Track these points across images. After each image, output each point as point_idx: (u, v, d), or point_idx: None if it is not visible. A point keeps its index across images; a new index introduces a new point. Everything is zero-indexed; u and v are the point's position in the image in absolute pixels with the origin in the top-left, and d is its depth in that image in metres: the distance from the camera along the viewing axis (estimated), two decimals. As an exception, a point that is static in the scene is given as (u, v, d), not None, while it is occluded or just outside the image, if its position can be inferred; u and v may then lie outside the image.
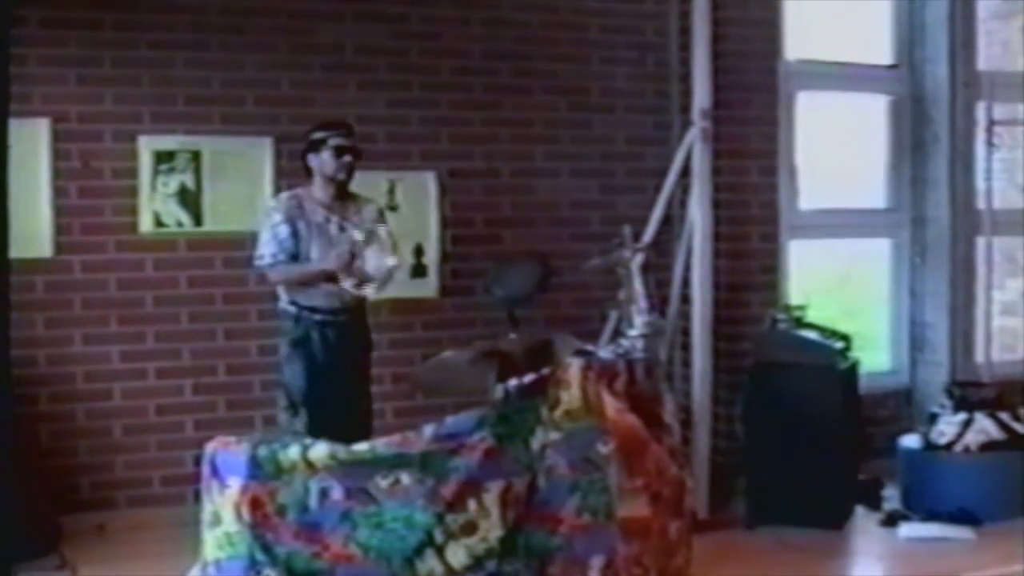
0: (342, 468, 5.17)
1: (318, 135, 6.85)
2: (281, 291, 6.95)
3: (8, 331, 4.65)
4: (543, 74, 8.35)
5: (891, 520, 7.83)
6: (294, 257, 6.81)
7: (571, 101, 8.43)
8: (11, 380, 4.93)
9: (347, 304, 6.89)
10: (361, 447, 5.26)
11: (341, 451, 5.22)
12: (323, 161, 6.83)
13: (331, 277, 6.74)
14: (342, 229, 6.84)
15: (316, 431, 6.18)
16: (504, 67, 8.26)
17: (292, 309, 6.90)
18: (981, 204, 9.03)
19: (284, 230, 6.80)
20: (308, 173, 6.91)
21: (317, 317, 6.87)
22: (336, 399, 6.83)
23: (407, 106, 8.04)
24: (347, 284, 6.70)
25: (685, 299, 8.18)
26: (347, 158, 6.83)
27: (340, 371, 6.91)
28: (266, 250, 6.84)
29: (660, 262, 8.14)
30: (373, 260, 6.68)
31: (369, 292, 6.77)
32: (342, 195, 6.93)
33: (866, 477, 8.20)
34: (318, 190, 6.90)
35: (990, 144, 8.92)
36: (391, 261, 6.70)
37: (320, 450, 5.19)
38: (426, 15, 8.07)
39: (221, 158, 7.50)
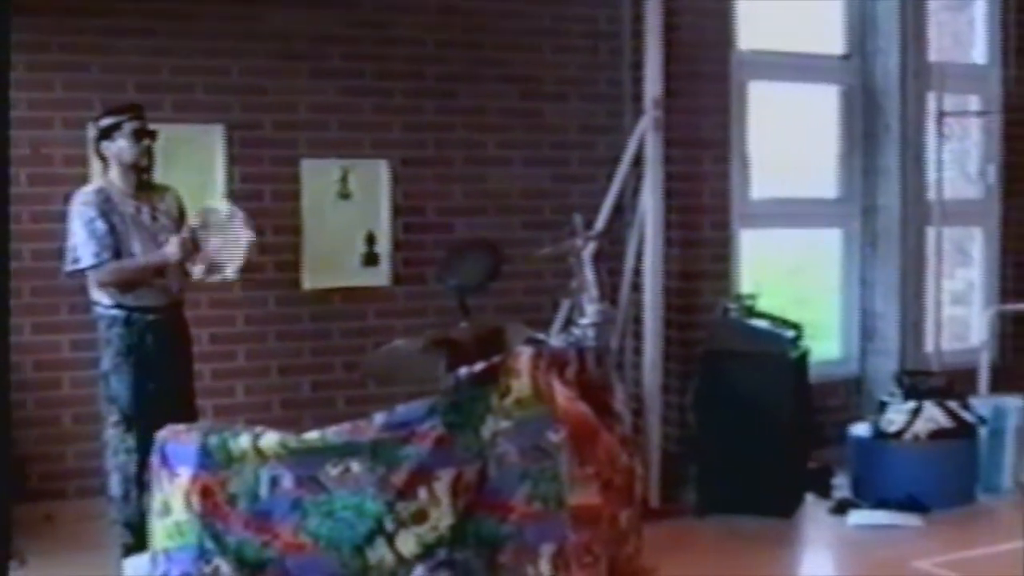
0: (293, 456, 5.19)
1: (110, 120, 6.53)
2: (101, 295, 6.53)
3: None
4: (496, 63, 8.34)
5: (841, 508, 7.88)
6: (117, 254, 6.46)
7: (524, 90, 8.43)
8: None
9: (176, 299, 6.64)
10: (312, 435, 5.27)
11: (292, 439, 5.23)
12: (120, 148, 6.50)
13: (160, 271, 6.49)
14: (154, 219, 6.59)
15: (150, 444, 5.48)
16: (457, 56, 8.24)
17: (120, 313, 6.48)
18: (931, 194, 9.09)
19: (101, 226, 6.42)
20: (104, 163, 6.61)
21: (150, 317, 6.52)
22: (171, 404, 6.38)
23: (359, 94, 8.01)
24: (196, 271, 6.50)
25: (637, 288, 8.20)
26: (146, 142, 6.54)
27: (173, 373, 6.61)
28: (86, 250, 6.43)
29: (612, 251, 8.15)
30: (220, 241, 6.50)
31: (230, 273, 6.57)
32: (145, 183, 6.64)
33: (816, 465, 8.26)
34: (119, 180, 6.56)
35: (940, 135, 8.98)
36: (246, 236, 6.52)
37: (270, 438, 5.20)
38: (379, 3, 8.04)
39: (172, 145, 7.38)
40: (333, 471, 5.16)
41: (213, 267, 6.53)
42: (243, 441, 5.19)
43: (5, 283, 4.43)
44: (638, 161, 8.17)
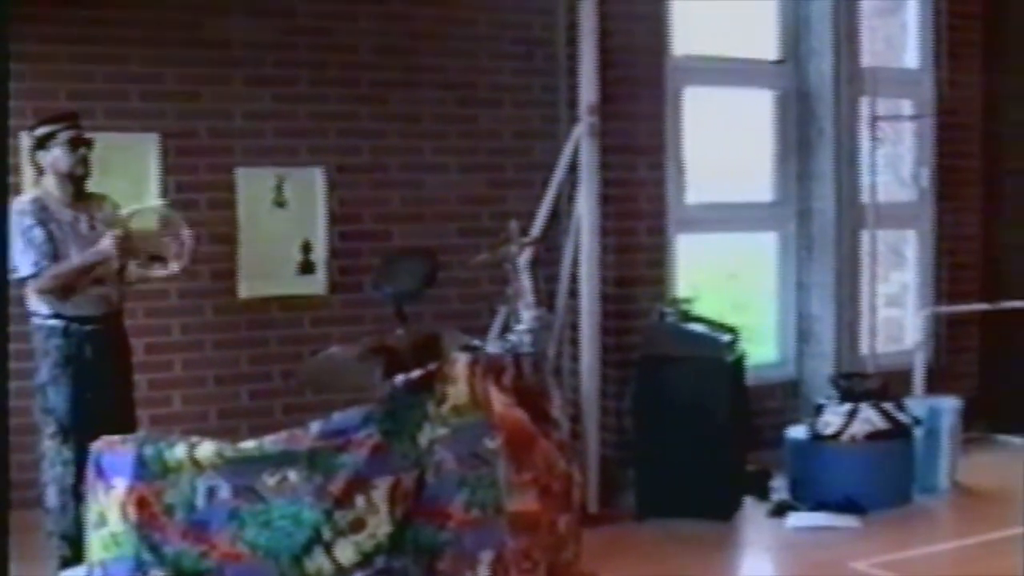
0: (229, 466, 5.17)
1: (45, 130, 6.46)
2: (39, 304, 6.46)
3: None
4: (431, 69, 8.33)
5: (779, 510, 7.92)
6: (55, 262, 6.39)
7: (459, 96, 8.42)
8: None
9: (114, 308, 6.59)
10: (248, 444, 5.26)
11: (228, 449, 5.22)
12: (56, 157, 6.45)
13: (98, 279, 6.45)
14: (92, 227, 6.53)
15: (87, 456, 5.48)
16: (392, 62, 8.22)
17: (58, 323, 6.42)
18: (866, 198, 9.15)
19: (39, 233, 6.37)
20: (39, 172, 6.57)
21: (88, 327, 6.46)
22: (110, 415, 6.33)
23: (294, 101, 7.98)
24: (134, 268, 6.54)
25: (573, 294, 8.21)
26: (82, 150, 6.49)
27: (112, 384, 6.56)
28: (25, 259, 6.35)
29: (549, 257, 8.16)
30: (160, 234, 6.61)
31: (175, 268, 6.61)
32: (81, 192, 6.58)
33: (754, 468, 8.29)
34: (56, 189, 6.51)
35: (874, 139, 9.06)
36: (187, 233, 6.57)
37: (207, 448, 5.19)
38: (314, 10, 8.02)
39: (106, 154, 7.31)
40: (270, 480, 5.15)
41: (155, 259, 6.56)
42: (179, 451, 5.17)
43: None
44: (574, 167, 8.18)
